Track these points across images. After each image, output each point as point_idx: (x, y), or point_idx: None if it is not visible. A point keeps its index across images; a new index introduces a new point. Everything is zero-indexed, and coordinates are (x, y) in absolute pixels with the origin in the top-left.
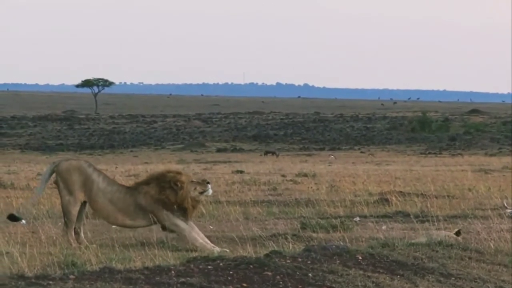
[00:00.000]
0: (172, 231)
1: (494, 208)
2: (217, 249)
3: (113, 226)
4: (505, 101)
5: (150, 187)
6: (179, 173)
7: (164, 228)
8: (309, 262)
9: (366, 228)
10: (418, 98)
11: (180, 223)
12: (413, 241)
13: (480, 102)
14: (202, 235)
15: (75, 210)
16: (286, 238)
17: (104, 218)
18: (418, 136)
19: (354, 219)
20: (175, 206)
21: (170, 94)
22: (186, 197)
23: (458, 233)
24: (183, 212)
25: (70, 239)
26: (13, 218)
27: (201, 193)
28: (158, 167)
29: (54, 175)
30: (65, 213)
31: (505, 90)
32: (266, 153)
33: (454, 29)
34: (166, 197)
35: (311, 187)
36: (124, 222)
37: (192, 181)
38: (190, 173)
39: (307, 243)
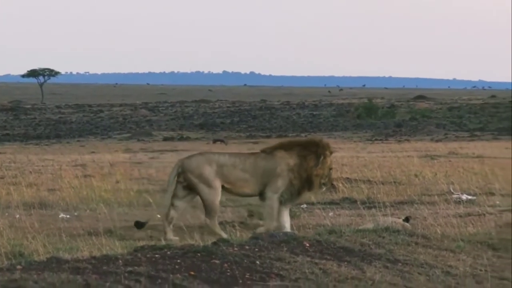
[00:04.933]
0: (265, 203)
1: (441, 194)
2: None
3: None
4: (450, 87)
5: (289, 153)
6: (327, 145)
7: (264, 198)
8: (256, 249)
9: (313, 215)
10: (364, 85)
11: (277, 201)
12: (360, 228)
13: (426, 88)
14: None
15: (217, 200)
16: (233, 226)
17: (243, 190)
18: (364, 122)
19: (301, 206)
20: (304, 178)
21: (116, 84)
22: (324, 172)
23: (406, 220)
24: (309, 186)
25: (218, 230)
26: (139, 225)
27: (323, 183)
28: (105, 157)
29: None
30: (209, 205)
31: (450, 76)
32: (215, 141)
33: (398, 15)
34: (308, 165)
35: None
36: (255, 188)
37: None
38: None
39: (254, 230)
